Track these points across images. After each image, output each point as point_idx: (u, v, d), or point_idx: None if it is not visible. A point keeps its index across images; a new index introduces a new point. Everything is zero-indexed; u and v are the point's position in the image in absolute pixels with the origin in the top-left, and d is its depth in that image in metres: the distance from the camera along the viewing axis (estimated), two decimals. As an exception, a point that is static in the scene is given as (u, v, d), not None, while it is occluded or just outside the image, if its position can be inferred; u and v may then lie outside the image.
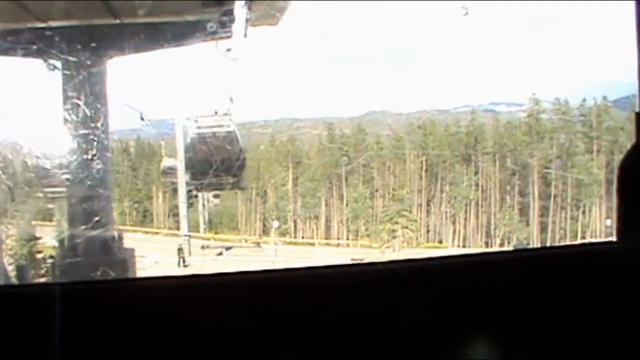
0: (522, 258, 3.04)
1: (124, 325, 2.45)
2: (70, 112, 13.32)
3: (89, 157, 13.13)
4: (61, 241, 15.13)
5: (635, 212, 2.85)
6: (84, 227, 13.24)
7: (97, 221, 13.20)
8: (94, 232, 13.13)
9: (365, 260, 25.63)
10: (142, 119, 21.49)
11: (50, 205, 21.94)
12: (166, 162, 24.01)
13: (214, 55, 15.94)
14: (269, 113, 32.78)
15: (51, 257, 19.09)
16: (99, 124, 13.29)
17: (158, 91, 26.28)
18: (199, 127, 17.25)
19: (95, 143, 13.24)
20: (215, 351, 2.49)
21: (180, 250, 25.15)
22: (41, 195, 15.52)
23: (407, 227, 28.40)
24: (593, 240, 27.30)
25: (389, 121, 30.59)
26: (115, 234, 15.16)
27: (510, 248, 27.08)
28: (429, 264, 2.90)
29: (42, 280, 19.38)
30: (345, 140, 30.27)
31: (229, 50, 15.43)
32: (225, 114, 17.20)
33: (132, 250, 16.03)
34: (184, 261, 24.72)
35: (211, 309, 2.51)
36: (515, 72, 29.66)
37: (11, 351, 2.35)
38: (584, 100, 29.64)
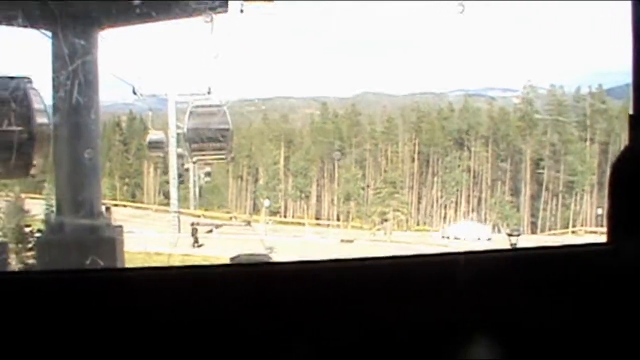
0: (513, 257, 3.00)
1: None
2: (62, 87, 13.11)
3: (78, 139, 12.94)
4: (48, 219, 15.28)
5: (626, 215, 2.79)
6: (72, 211, 13.10)
7: (85, 207, 13.05)
8: (81, 216, 13.01)
9: (356, 242, 25.78)
10: (134, 92, 21.43)
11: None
12: (152, 136, 24.00)
13: (208, 32, 16.03)
14: (263, 91, 32.80)
15: (39, 231, 19.20)
16: (91, 111, 13.09)
17: (151, 66, 26.19)
18: (193, 106, 17.91)
19: (85, 122, 13.08)
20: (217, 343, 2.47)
21: (194, 229, 25.18)
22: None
23: (398, 210, 28.38)
24: (583, 228, 27.45)
25: (384, 103, 30.55)
26: (103, 215, 15.20)
27: (503, 234, 27.06)
28: (425, 261, 2.87)
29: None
30: (338, 121, 30.20)
31: (216, 57, 16.49)
32: (219, 100, 18.21)
33: (120, 227, 15.92)
34: (197, 241, 24.77)
35: (210, 301, 2.49)
36: (512, 59, 29.63)
37: None
38: (579, 88, 29.62)
